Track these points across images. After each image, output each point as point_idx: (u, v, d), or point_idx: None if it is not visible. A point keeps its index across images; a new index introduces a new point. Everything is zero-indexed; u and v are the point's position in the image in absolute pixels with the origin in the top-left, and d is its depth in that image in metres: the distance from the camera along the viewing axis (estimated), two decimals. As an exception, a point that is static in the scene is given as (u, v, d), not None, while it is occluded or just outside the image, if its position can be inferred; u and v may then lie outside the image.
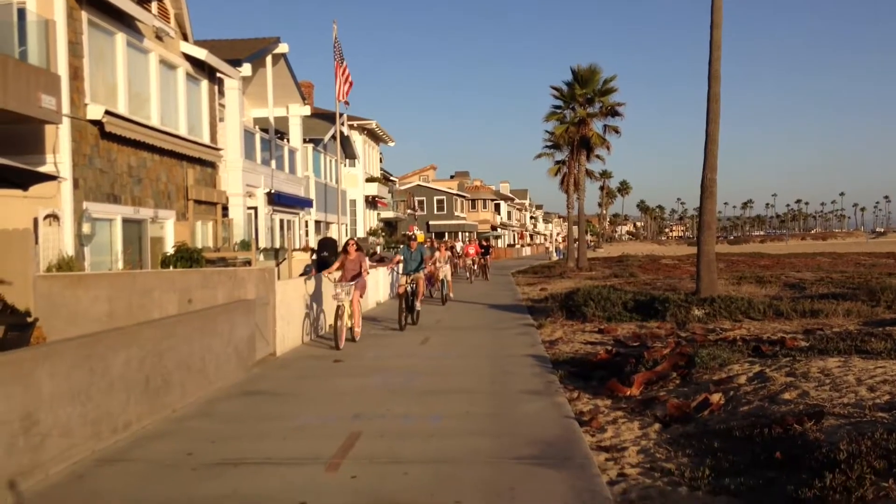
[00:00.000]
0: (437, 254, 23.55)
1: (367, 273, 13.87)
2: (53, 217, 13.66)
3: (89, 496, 5.56)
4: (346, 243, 13.84)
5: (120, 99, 16.17)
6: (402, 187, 71.70)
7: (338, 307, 13.10)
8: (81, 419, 6.39)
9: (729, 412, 7.43)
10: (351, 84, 25.85)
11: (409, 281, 16.39)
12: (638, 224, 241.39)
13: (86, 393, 6.48)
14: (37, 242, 12.95)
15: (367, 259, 13.77)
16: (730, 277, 26.46)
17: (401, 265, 17.32)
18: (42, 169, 12.92)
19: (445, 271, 23.06)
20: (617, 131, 43.26)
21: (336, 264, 13.86)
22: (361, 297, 13.87)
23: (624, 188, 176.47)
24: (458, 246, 42.64)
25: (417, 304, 16.84)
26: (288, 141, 29.57)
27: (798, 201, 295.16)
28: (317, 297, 14.73)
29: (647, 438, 7.04)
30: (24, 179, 10.54)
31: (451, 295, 22.97)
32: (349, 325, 13.39)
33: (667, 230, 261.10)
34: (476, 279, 33.67)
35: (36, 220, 13.30)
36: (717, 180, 18.38)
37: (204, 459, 6.42)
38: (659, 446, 6.74)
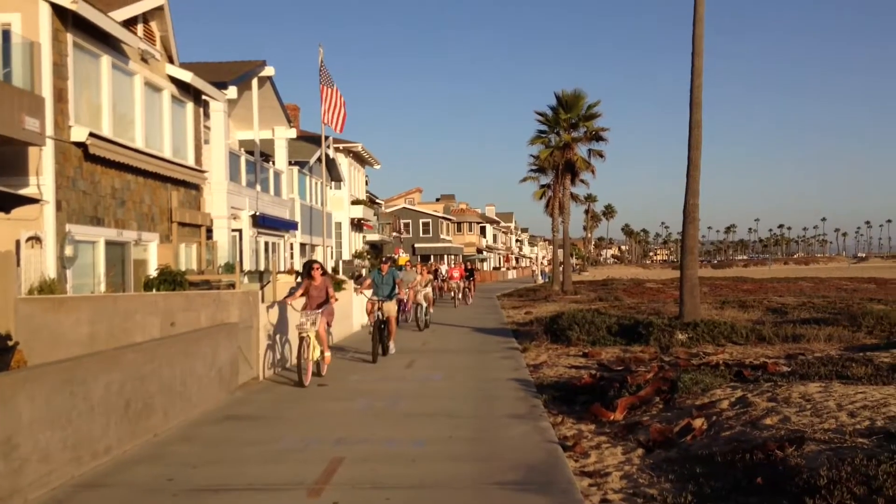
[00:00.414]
0: (417, 277, 22.60)
1: (335, 300, 12.41)
2: (36, 239, 13.59)
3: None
4: (309, 266, 12.27)
5: (104, 121, 16.17)
6: (388, 210, 71.77)
7: (301, 338, 11.59)
8: (61, 444, 6.34)
9: (711, 437, 7.46)
10: (345, 115, 25.86)
11: (377, 308, 14.88)
12: (623, 248, 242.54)
13: (66, 417, 6.43)
14: (18, 265, 12.87)
15: (331, 285, 12.40)
16: (713, 301, 26.59)
17: (370, 290, 15.96)
18: (25, 191, 12.89)
19: (426, 294, 22.34)
20: (601, 155, 43.55)
21: (299, 290, 12.40)
22: (330, 326, 12.49)
23: (609, 212, 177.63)
24: (443, 269, 41.89)
25: (391, 342, 15.18)
26: (273, 163, 29.59)
27: (781, 226, 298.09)
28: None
29: (630, 464, 7.06)
30: (5, 202, 10.50)
31: (429, 319, 22.11)
32: (315, 357, 11.97)
33: (651, 254, 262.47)
34: (460, 303, 33.31)
35: (18, 243, 13.23)
36: (700, 205, 18.56)
37: (185, 485, 6.37)
38: (642, 471, 6.75)
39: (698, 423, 7.82)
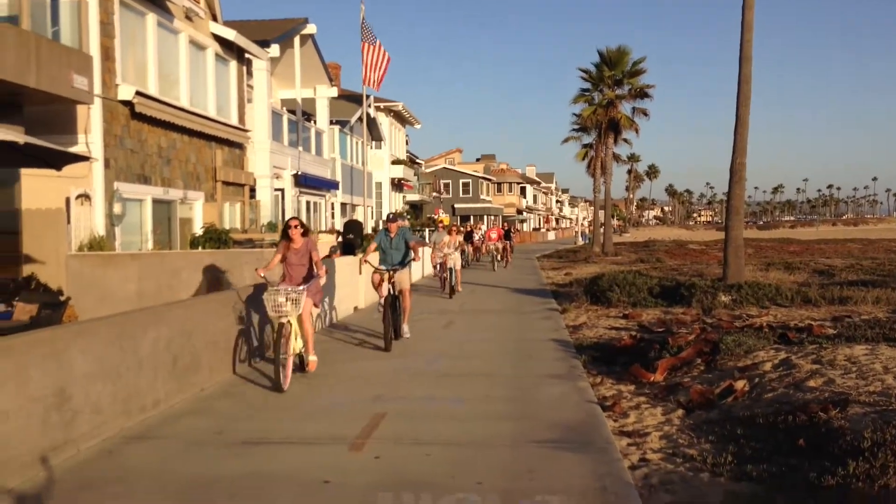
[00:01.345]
0: (445, 237, 20.66)
1: (324, 271, 9.23)
2: (85, 197, 13.88)
3: (119, 472, 5.68)
4: (287, 225, 9.19)
5: (150, 79, 16.33)
6: (428, 170, 71.66)
7: (280, 326, 8.52)
8: (111, 397, 6.53)
9: (753, 399, 7.39)
10: (386, 68, 25.73)
11: (389, 278, 11.69)
12: (665, 209, 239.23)
13: (116, 371, 6.62)
14: (69, 222, 13.18)
15: (317, 249, 9.34)
16: (758, 263, 26.18)
17: (376, 257, 12.30)
18: (74, 149, 13.12)
19: (454, 259, 19.81)
20: (646, 114, 42.91)
21: (276, 256, 9.27)
22: (316, 306, 9.53)
23: (652, 172, 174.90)
24: (478, 235, 38.45)
25: (405, 324, 12.10)
26: (315, 122, 29.67)
27: (830, 186, 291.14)
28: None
29: (669, 424, 7.04)
30: (56, 159, 10.71)
31: (460, 288, 19.86)
32: (297, 350, 8.93)
33: (695, 215, 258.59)
34: (498, 265, 31.57)
35: (68, 200, 13.52)
36: (747, 164, 18.16)
37: (232, 438, 6.53)
38: (682, 432, 6.73)
39: (740, 384, 7.75)
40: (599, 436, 6.54)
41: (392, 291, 11.62)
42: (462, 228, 35.55)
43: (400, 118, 47.14)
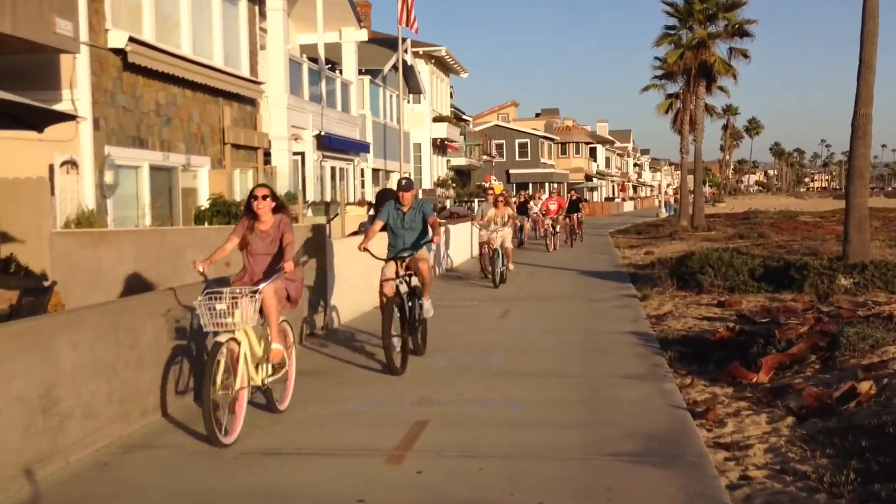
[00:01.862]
0: (491, 210, 19.15)
1: (297, 263, 7.81)
2: (71, 164, 14.15)
3: (115, 486, 5.82)
4: (251, 195, 7.59)
5: (146, 24, 16.54)
6: (477, 128, 71.54)
7: (215, 347, 6.68)
8: (107, 398, 6.68)
9: (881, 404, 7.27)
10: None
11: (399, 272, 9.91)
12: (770, 172, 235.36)
13: (112, 368, 6.75)
14: (53, 193, 13.45)
15: (292, 230, 7.61)
16: (887, 238, 25.70)
17: (378, 243, 10.72)
18: (57, 107, 13.36)
19: (504, 237, 18.44)
20: (745, 56, 42.21)
21: (229, 241, 7.63)
22: (293, 304, 7.90)
23: (753, 128, 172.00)
24: (537, 207, 35.22)
25: (425, 309, 10.28)
26: (340, 72, 29.78)
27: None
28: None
29: (777, 434, 6.97)
30: (36, 119, 10.91)
31: (511, 267, 18.74)
32: (261, 381, 7.28)
33: (806, 180, 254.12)
34: (562, 245, 30.39)
35: (51, 168, 13.79)
36: (874, 116, 17.76)
37: (245, 447, 6.63)
38: (792, 444, 6.66)
39: (865, 386, 7.62)
40: (690, 448, 6.49)
41: (403, 287, 9.84)
42: (514, 198, 34.86)
43: (443, 66, 47.07)
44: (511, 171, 77.47)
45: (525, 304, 15.30)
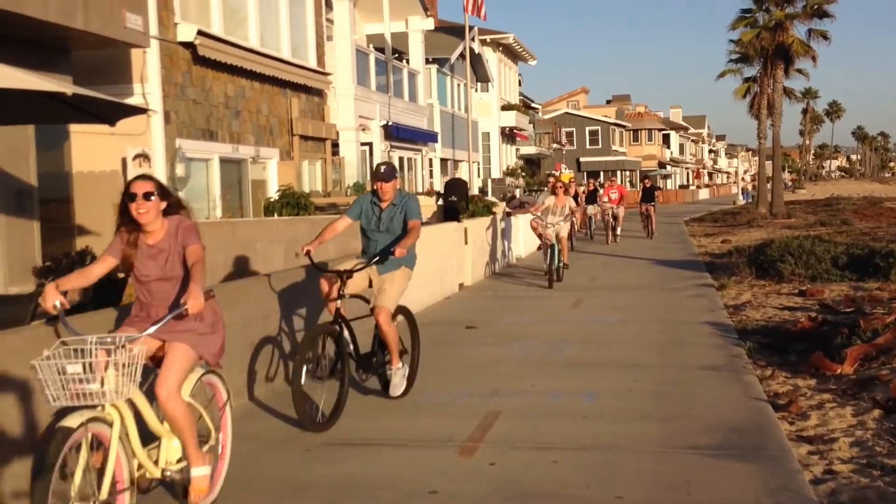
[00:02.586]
0: (547, 200, 17.13)
1: (210, 298, 5.17)
2: (143, 157, 14.47)
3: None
4: (126, 191, 5.28)
5: (214, 17, 16.80)
6: (547, 116, 71.19)
7: (59, 436, 4.27)
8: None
9: (975, 397, 7.06)
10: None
11: (341, 289, 7.40)
12: (853, 157, 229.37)
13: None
14: (126, 187, 13.77)
15: (198, 237, 5.34)
16: (978, 225, 24.87)
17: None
18: (129, 101, 13.66)
19: (560, 230, 16.65)
20: (825, 37, 41.18)
21: (100, 262, 5.36)
22: (213, 366, 5.55)
23: (834, 111, 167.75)
24: (609, 196, 29.47)
25: (395, 367, 7.72)
26: (407, 62, 29.89)
27: None
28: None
29: (863, 428, 6.82)
30: (109, 113, 11.16)
31: (567, 263, 17.15)
32: (158, 474, 4.97)
33: (892, 164, 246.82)
34: (638, 236, 28.99)
35: (124, 161, 14.13)
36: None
37: (318, 439, 6.72)
38: (879, 438, 6.51)
39: (957, 379, 7.40)
40: (772, 441, 6.40)
41: (338, 305, 7.35)
42: (582, 186, 33.99)
43: (511, 53, 46.90)
44: (581, 160, 76.90)
45: (597, 294, 15.20)
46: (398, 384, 7.73)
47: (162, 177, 14.73)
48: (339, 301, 7.34)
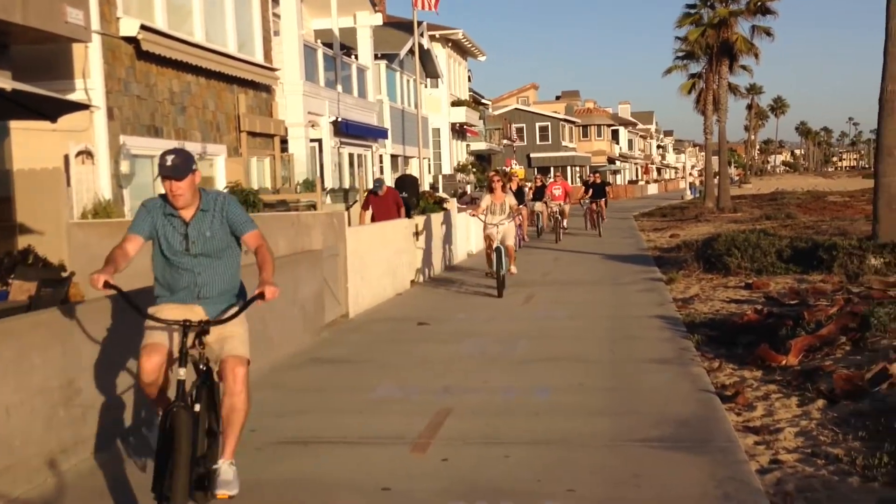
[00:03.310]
0: (486, 199, 15.04)
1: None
2: (87, 154, 14.23)
3: (140, 477, 5.87)
4: None
5: (157, 11, 16.57)
6: (497, 112, 71.35)
7: None
8: (129, 389, 6.73)
9: (915, 386, 7.23)
10: None
11: (179, 355, 4.97)
12: (797, 152, 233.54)
13: (135, 358, 6.80)
14: (69, 184, 13.55)
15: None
16: (917, 218, 25.42)
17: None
18: (71, 96, 13.43)
19: (505, 233, 14.74)
20: (769, 33, 41.91)
21: None
22: None
23: (778, 107, 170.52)
24: (554, 192, 28.21)
25: (219, 482, 4.96)
26: (356, 58, 29.77)
27: None
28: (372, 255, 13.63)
29: (807, 418, 6.95)
30: (51, 109, 10.99)
31: (514, 270, 15.04)
32: None
33: (834, 159, 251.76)
34: (588, 233, 28.59)
35: (67, 158, 13.87)
36: (903, 93, 17.55)
37: (270, 437, 6.69)
38: (823, 427, 6.64)
39: (898, 368, 7.58)
40: (719, 433, 6.51)
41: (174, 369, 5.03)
42: (529, 182, 33.43)
43: (460, 49, 46.94)
44: (532, 155, 77.25)
45: (549, 290, 15.30)
46: (229, 481, 5.00)
47: (105, 174, 14.53)
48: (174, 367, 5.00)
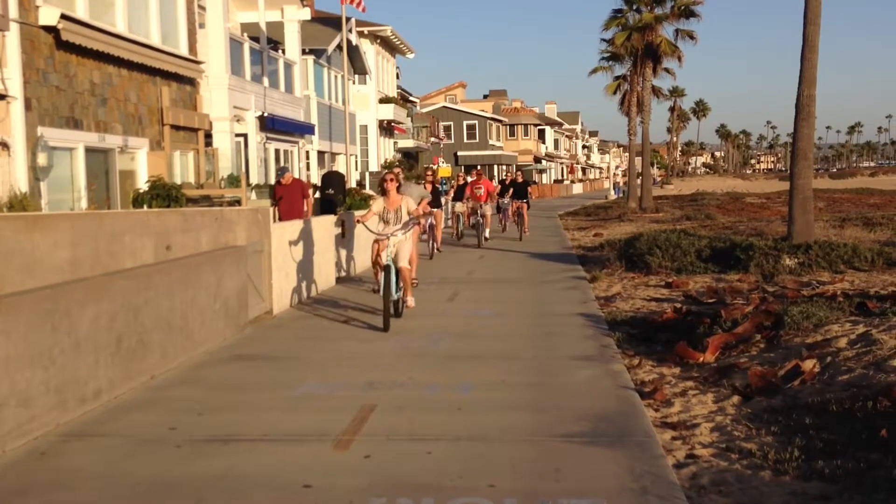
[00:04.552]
0: (377, 203, 12.18)
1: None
2: (2, 145, 13.86)
3: (54, 475, 5.75)
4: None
5: (78, 1, 16.19)
6: (425, 110, 71.40)
7: None
8: (43, 386, 6.58)
9: (825, 382, 7.46)
10: None
11: None
12: (717, 154, 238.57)
13: (48, 355, 6.66)
14: (-17, 177, 13.16)
15: None
16: (831, 219, 26.20)
17: None
18: (-13, 87, 13.05)
19: (399, 246, 11.60)
20: (692, 37, 42.69)
21: None
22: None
23: (700, 110, 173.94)
24: (476, 191, 24.85)
25: None
26: (283, 52, 29.48)
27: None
28: (306, 249, 14.07)
29: (723, 413, 7.11)
30: (-34, 100, 10.67)
31: (411, 303, 12.07)
32: None
33: (753, 161, 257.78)
34: (507, 236, 26.66)
35: (-19, 150, 13.49)
36: (818, 98, 18.06)
37: (190, 434, 6.60)
38: (737, 423, 6.81)
39: (809, 365, 7.80)
40: (638, 428, 6.61)
41: None
42: (452, 181, 32.13)
43: (389, 46, 46.82)
44: (459, 154, 77.45)
45: (474, 287, 15.35)
46: None
47: (22, 166, 14.15)
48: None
